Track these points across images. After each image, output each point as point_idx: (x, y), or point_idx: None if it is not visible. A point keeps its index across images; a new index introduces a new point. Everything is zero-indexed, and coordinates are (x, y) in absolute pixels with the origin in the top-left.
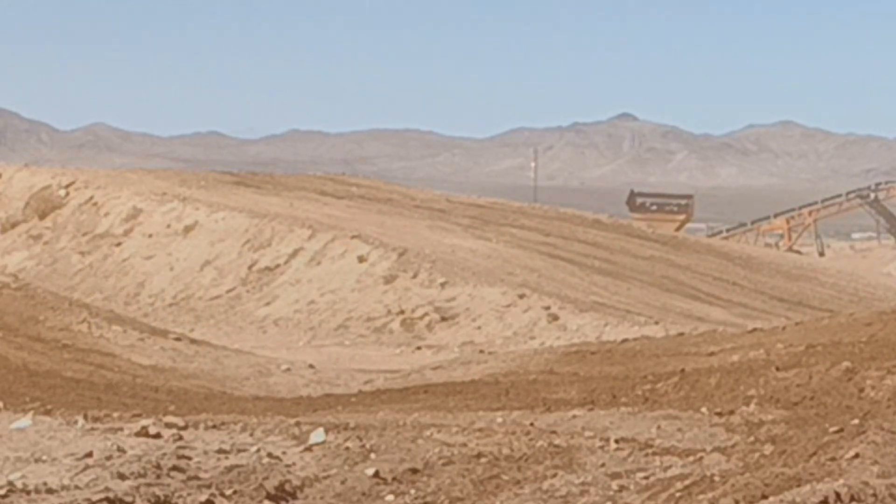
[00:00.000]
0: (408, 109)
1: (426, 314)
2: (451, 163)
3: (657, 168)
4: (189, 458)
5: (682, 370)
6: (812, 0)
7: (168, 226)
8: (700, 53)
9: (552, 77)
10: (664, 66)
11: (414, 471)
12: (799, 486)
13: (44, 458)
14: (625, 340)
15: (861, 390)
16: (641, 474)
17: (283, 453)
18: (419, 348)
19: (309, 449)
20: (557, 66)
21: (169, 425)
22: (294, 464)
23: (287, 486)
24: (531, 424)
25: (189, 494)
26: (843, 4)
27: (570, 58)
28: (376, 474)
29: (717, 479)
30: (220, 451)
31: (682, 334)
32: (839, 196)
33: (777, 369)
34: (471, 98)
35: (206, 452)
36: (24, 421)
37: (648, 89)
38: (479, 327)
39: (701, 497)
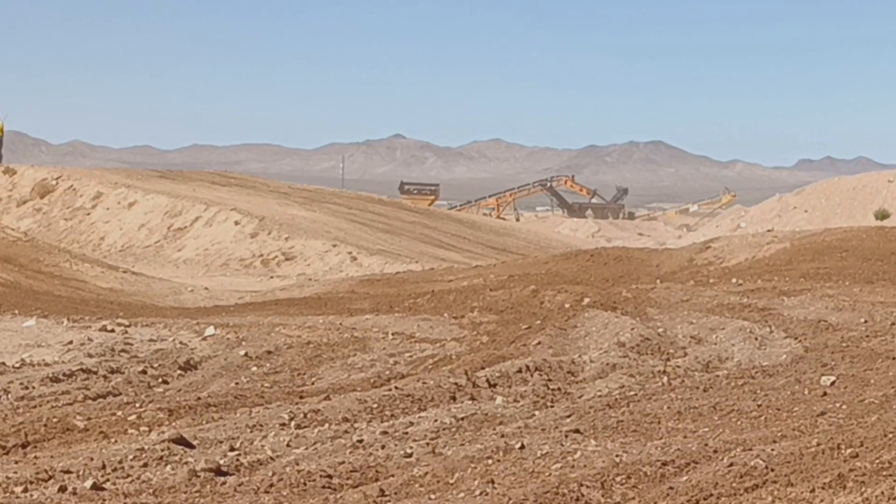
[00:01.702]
0: (265, 128)
1: (276, 256)
2: (291, 164)
3: (416, 168)
4: (131, 344)
5: (433, 290)
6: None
7: (118, 202)
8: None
9: (352, 106)
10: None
11: (269, 352)
12: (504, 361)
13: (43, 344)
14: (397, 272)
15: (541, 303)
16: (408, 354)
17: (189, 341)
18: (272, 277)
19: (204, 339)
20: (354, 96)
21: (119, 324)
22: (196, 348)
23: (191, 361)
24: (340, 324)
25: (131, 366)
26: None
27: (361, 89)
28: (246, 354)
29: (454, 357)
30: (151, 340)
31: (432, 269)
32: (528, 184)
33: (490, 290)
34: (303, 121)
35: (141, 341)
36: (30, 322)
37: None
38: (308, 264)
39: (444, 368)
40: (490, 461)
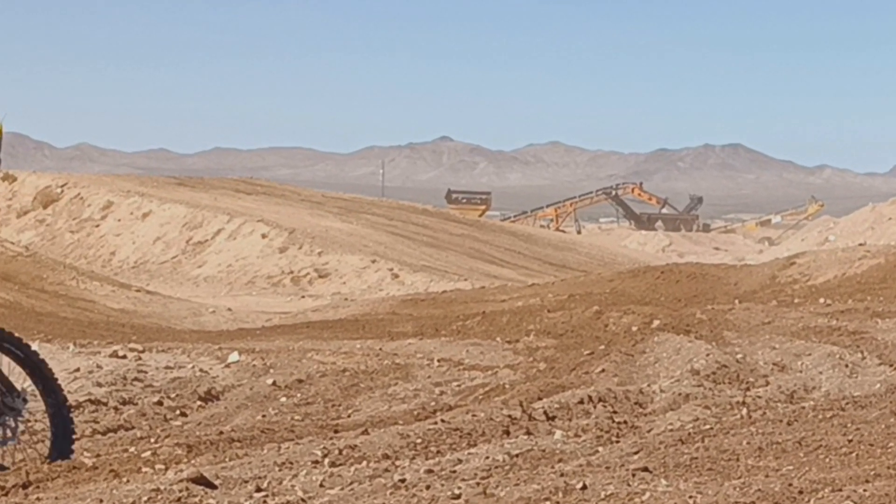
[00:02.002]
0: (295, 129)
1: (308, 273)
2: (325, 170)
3: (465, 175)
4: (146, 372)
5: (484, 312)
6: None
7: (131, 213)
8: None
9: (393, 105)
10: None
11: (300, 381)
12: (563, 391)
13: None
14: (444, 291)
15: (606, 326)
16: (455, 383)
17: (210, 369)
18: (303, 297)
19: (227, 366)
20: (396, 95)
21: (132, 350)
22: (217, 376)
23: (213, 391)
24: (380, 349)
25: (146, 397)
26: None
27: (406, 91)
28: (274, 383)
29: (507, 386)
30: (167, 367)
31: (483, 287)
32: (591, 192)
33: (548, 311)
34: (338, 122)
35: (157, 368)
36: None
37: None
38: (344, 283)
39: (496, 399)
40: (548, 503)
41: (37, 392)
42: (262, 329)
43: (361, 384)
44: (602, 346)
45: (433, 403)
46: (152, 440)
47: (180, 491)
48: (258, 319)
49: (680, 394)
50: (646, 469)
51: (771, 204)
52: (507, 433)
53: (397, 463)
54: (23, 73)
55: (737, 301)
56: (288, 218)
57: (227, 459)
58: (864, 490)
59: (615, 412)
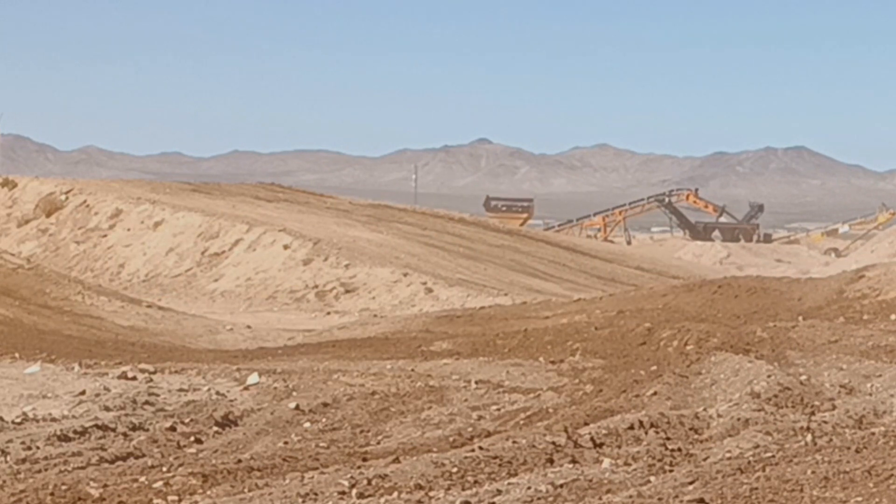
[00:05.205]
0: (320, 131)
1: (334, 288)
2: (352, 175)
3: (506, 180)
4: (157, 395)
5: (525, 329)
6: (625, 36)
7: (142, 222)
8: (537, 85)
9: (427, 105)
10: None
11: (325, 404)
12: (612, 415)
13: (49, 395)
14: (482, 307)
15: (658, 345)
16: (495, 407)
17: (228, 391)
18: (329, 313)
19: (246, 388)
20: (430, 93)
21: (142, 371)
22: (235, 399)
23: (230, 416)
24: (412, 370)
25: (157, 422)
26: (653, 40)
27: (440, 90)
28: (297, 407)
29: (551, 410)
30: (181, 389)
31: (524, 303)
32: (642, 200)
33: (596, 329)
34: (367, 124)
35: (170, 391)
36: (34, 367)
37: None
38: (373, 298)
39: (539, 424)
40: None
41: None
42: (283, 348)
43: (392, 408)
44: (654, 367)
45: (470, 429)
46: (164, 469)
47: None
48: (280, 338)
49: (739, 419)
50: (702, 500)
51: (838, 212)
52: (551, 461)
53: (431, 494)
54: (23, 70)
55: (801, 318)
56: (312, 227)
57: (245, 490)
58: None
59: (668, 439)
